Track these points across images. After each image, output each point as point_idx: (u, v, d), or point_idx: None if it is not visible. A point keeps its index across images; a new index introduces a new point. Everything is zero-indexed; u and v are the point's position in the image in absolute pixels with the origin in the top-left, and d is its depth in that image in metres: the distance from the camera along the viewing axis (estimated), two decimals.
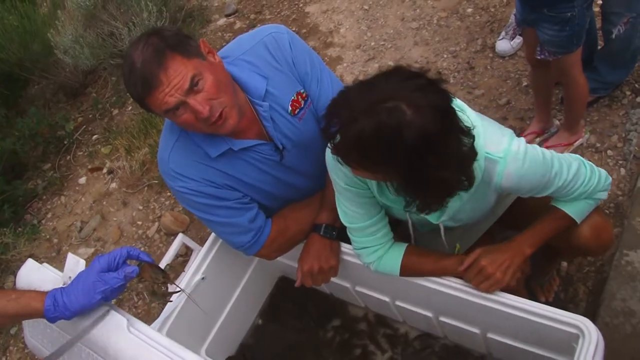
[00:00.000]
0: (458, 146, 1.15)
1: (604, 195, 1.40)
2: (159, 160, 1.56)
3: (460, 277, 1.47)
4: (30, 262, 1.47)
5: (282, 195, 1.69)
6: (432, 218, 1.42)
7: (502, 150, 1.26)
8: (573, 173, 1.33)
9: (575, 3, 1.74)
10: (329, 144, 1.20)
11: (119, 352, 1.25)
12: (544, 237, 1.42)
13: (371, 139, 1.07)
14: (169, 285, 1.35)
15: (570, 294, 1.94)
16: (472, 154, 1.19)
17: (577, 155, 1.38)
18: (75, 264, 1.29)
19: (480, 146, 1.24)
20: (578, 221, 1.40)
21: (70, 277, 1.30)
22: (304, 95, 1.57)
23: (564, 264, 1.99)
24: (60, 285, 1.26)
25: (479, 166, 1.26)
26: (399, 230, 1.60)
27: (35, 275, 1.43)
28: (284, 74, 1.52)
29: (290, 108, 1.54)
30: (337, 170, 1.42)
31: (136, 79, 1.29)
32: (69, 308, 1.21)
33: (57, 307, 1.21)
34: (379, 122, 1.06)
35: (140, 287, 2.55)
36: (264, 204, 1.68)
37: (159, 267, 1.33)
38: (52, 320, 1.23)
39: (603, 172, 1.39)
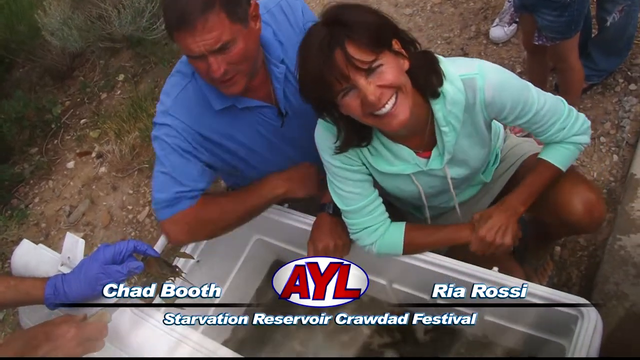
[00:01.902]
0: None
1: (583, 139, 1.43)
2: (161, 97, 1.55)
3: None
4: (26, 243, 1.44)
5: (273, 160, 1.68)
6: (436, 163, 1.42)
7: (476, 66, 1.33)
8: (551, 103, 1.38)
9: None
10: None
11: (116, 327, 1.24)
12: (533, 192, 1.45)
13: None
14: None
15: (564, 278, 1.96)
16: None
17: (559, 96, 1.43)
18: (74, 243, 1.26)
19: (451, 73, 1.31)
20: (562, 169, 1.44)
21: (69, 258, 1.27)
22: None
23: (558, 248, 2.01)
24: (59, 266, 1.24)
25: (458, 90, 1.31)
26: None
27: (32, 256, 1.40)
28: (297, 39, 1.53)
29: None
30: (329, 151, 1.40)
31: (175, 10, 1.28)
32: (69, 298, 1.19)
33: (57, 296, 1.18)
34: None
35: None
36: (248, 172, 1.67)
37: (166, 261, 1.30)
38: (51, 307, 1.21)
39: (582, 115, 1.44)
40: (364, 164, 1.44)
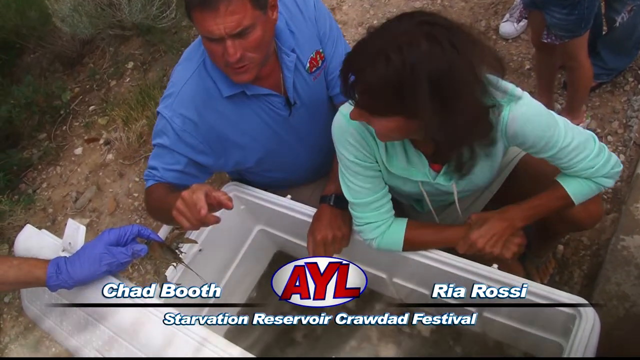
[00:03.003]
0: (477, 84, 1.15)
1: (608, 183, 1.37)
2: (171, 81, 1.56)
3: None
4: (29, 228, 1.46)
5: (276, 152, 1.69)
6: (444, 179, 1.42)
7: (507, 96, 1.26)
8: (579, 141, 1.31)
9: None
10: (349, 101, 1.21)
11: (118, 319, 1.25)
12: (538, 213, 1.41)
13: (393, 77, 1.08)
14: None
15: (566, 277, 1.96)
16: (489, 96, 1.20)
17: (591, 132, 1.36)
18: (75, 229, 1.27)
19: None
20: (576, 202, 1.39)
21: (70, 244, 1.28)
22: (322, 55, 1.60)
23: (560, 247, 2.01)
24: (60, 251, 1.25)
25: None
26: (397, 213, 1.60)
27: (34, 241, 1.41)
28: (308, 30, 1.56)
29: (308, 65, 1.57)
30: (345, 143, 1.41)
31: None
32: (72, 277, 1.20)
33: (59, 276, 1.19)
34: (397, 60, 1.07)
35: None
36: (248, 163, 1.69)
37: (169, 247, 1.31)
38: (53, 288, 1.22)
39: (614, 157, 1.36)
40: (376, 162, 1.44)
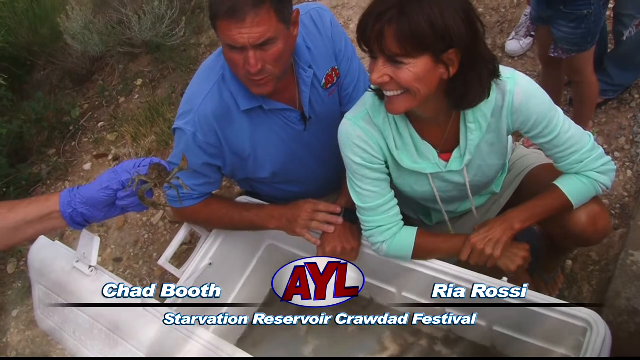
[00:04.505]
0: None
1: (603, 179, 1.42)
2: (190, 95, 1.58)
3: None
4: (42, 239, 1.47)
5: (289, 165, 1.72)
6: (455, 164, 1.45)
7: (509, 72, 1.36)
8: (575, 131, 1.40)
9: (593, 0, 1.76)
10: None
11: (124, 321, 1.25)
12: (536, 215, 1.44)
13: (427, 9, 1.17)
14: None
15: (575, 292, 1.95)
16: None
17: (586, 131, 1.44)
18: (90, 240, 1.28)
19: None
20: (574, 202, 1.42)
21: (84, 254, 1.30)
22: (337, 72, 1.63)
23: (569, 262, 2.01)
24: (74, 262, 1.26)
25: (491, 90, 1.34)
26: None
27: (48, 252, 1.43)
28: (324, 48, 1.59)
29: (324, 81, 1.61)
30: (352, 146, 1.43)
31: (227, 0, 1.31)
32: (81, 194, 1.16)
33: (71, 193, 1.17)
34: None
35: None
36: (261, 175, 1.72)
37: (167, 175, 1.21)
38: (65, 207, 1.17)
39: (608, 157, 1.43)
40: (385, 161, 1.46)
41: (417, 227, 1.53)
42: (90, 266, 1.29)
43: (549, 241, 1.81)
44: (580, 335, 1.33)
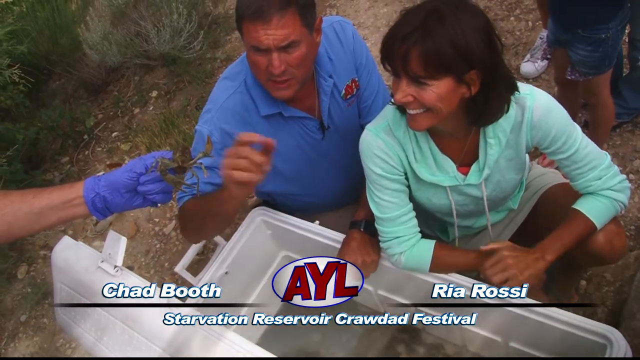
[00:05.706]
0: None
1: (620, 197, 1.42)
2: (211, 98, 1.60)
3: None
4: (66, 239, 1.49)
5: (306, 173, 1.73)
6: (474, 178, 1.47)
7: (528, 88, 1.39)
8: (592, 149, 1.41)
9: (611, 25, 1.79)
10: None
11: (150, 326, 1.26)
12: (565, 243, 1.43)
13: (450, 31, 1.20)
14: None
15: (589, 312, 1.94)
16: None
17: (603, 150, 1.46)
18: (116, 240, 1.30)
19: None
20: (597, 224, 1.42)
21: (109, 254, 1.31)
22: (357, 83, 1.66)
23: (583, 282, 2.01)
24: (99, 262, 1.27)
25: (510, 106, 1.36)
26: None
27: (72, 252, 1.44)
28: (345, 59, 1.62)
29: (343, 92, 1.64)
30: (373, 157, 1.46)
31: (254, 2, 1.35)
32: (106, 178, 1.17)
33: (95, 179, 1.18)
34: (451, 15, 1.21)
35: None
36: (277, 183, 1.71)
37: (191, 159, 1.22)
38: (88, 192, 1.16)
39: (623, 175, 1.45)
40: (404, 172, 1.48)
41: (435, 240, 1.54)
42: (115, 266, 1.30)
43: (564, 260, 1.81)
44: (600, 352, 1.32)
